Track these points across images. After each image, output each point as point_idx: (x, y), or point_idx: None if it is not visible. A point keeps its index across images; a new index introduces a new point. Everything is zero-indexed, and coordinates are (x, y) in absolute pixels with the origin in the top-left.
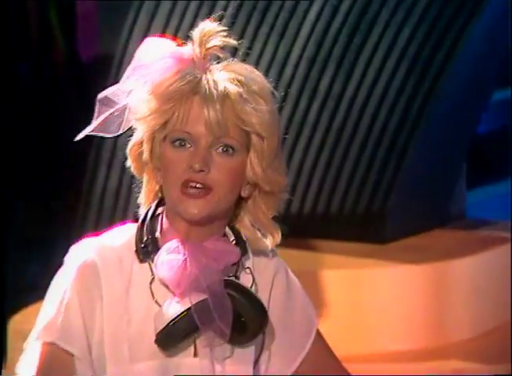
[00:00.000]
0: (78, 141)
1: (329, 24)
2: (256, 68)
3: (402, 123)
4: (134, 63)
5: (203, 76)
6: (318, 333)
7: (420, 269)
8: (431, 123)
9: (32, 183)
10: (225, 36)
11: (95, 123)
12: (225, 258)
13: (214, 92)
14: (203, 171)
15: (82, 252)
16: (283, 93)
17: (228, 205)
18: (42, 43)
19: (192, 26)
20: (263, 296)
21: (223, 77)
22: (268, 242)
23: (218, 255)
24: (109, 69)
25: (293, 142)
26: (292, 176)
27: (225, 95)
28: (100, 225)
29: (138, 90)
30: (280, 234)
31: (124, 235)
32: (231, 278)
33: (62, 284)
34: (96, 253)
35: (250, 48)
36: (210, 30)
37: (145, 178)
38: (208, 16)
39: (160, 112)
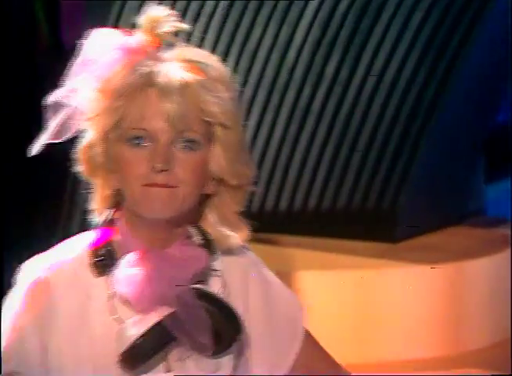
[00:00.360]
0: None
1: (335, 5)
2: (256, 53)
3: (413, 113)
4: (81, 58)
5: (157, 66)
6: (308, 334)
7: (432, 271)
8: (445, 113)
9: (15, 182)
10: (176, 20)
11: (48, 131)
12: (193, 266)
13: (172, 82)
14: (165, 170)
15: (33, 270)
16: (285, 79)
17: (193, 204)
18: (27, 36)
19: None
20: (236, 297)
21: (179, 66)
22: (237, 239)
23: (185, 263)
24: None
25: (296, 133)
26: (295, 170)
27: (183, 85)
28: (85, 225)
29: (87, 88)
30: (248, 230)
31: (78, 246)
32: (198, 285)
33: (12, 307)
34: (48, 269)
35: (249, 30)
36: (158, 15)
37: (97, 183)
38: (197, 15)
39: (111, 110)
